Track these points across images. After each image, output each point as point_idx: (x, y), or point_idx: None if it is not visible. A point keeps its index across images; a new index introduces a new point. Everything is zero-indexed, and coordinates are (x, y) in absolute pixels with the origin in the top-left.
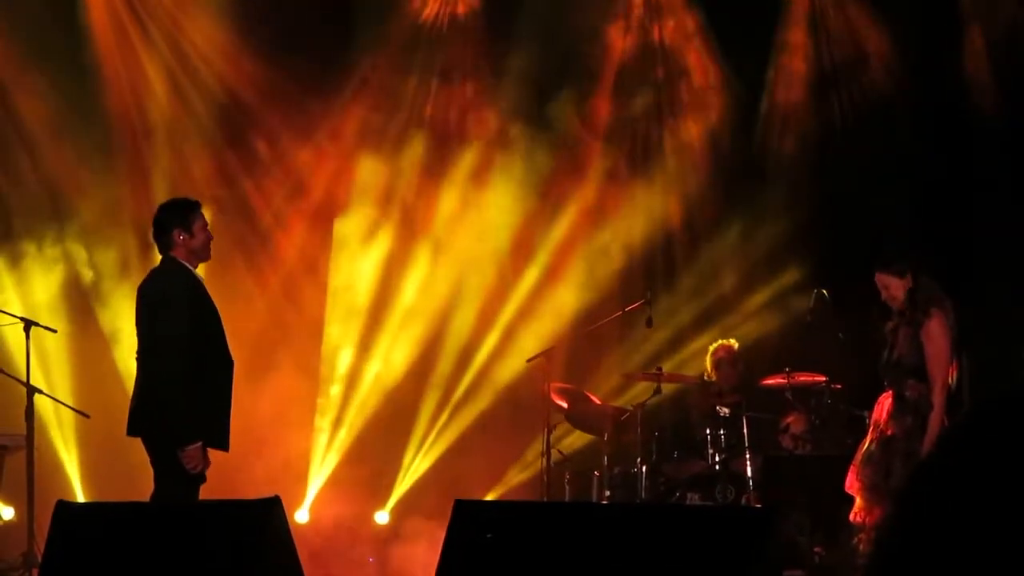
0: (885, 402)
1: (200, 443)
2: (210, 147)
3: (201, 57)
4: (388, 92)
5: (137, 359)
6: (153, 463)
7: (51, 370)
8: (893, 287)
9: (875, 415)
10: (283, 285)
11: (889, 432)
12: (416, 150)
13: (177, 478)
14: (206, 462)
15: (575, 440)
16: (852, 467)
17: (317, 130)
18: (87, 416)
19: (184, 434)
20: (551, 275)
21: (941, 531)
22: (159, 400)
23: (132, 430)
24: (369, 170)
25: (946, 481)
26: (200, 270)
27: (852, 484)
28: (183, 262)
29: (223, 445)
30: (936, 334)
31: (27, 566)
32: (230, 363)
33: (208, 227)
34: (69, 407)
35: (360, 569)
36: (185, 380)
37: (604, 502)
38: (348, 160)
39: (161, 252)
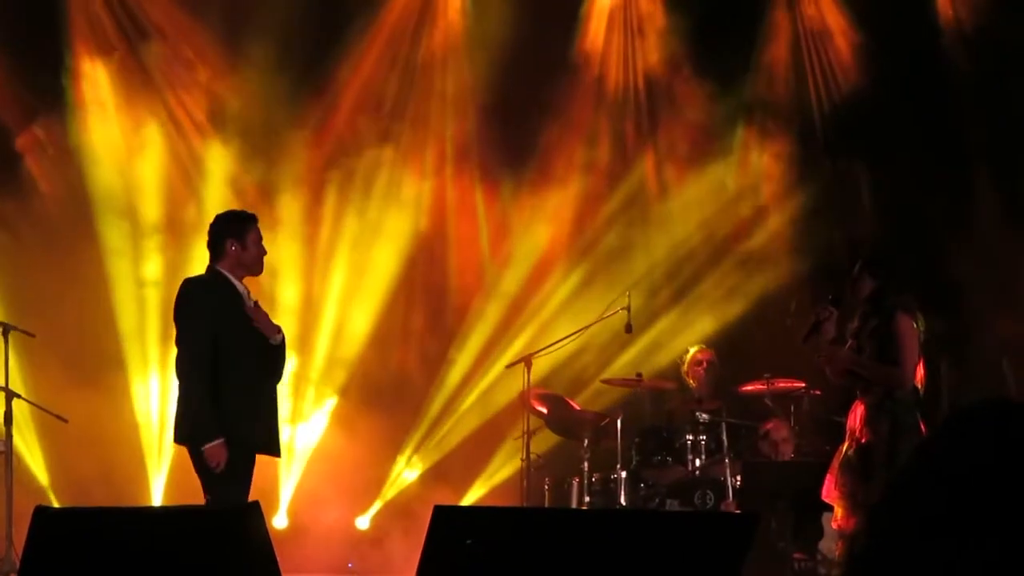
0: (858, 409)
1: (221, 440)
2: None
3: None
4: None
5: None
6: (198, 472)
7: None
8: (864, 284)
9: (850, 423)
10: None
11: (865, 439)
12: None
13: (223, 480)
14: (243, 464)
15: (555, 446)
16: (829, 475)
17: None
18: (65, 420)
19: (200, 433)
20: (534, 280)
21: (913, 540)
22: (180, 404)
23: (175, 437)
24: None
25: (919, 491)
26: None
27: (830, 492)
28: (226, 273)
29: (271, 450)
30: (905, 328)
31: (4, 572)
32: (275, 369)
33: (262, 242)
34: (47, 412)
35: (341, 574)
36: (198, 381)
37: (584, 508)
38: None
39: (210, 260)
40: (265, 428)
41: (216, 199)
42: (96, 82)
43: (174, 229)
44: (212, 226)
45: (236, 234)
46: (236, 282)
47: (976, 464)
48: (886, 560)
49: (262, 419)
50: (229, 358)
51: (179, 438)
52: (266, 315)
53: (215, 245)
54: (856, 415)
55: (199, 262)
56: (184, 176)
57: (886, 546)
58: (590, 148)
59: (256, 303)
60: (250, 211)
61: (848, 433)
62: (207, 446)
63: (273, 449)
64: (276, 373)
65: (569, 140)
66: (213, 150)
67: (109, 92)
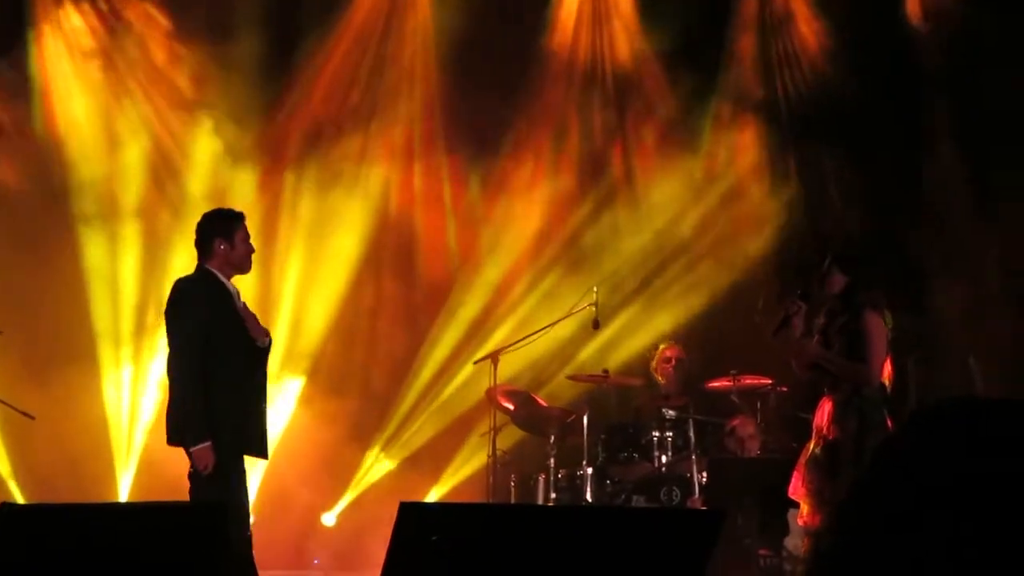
0: (826, 406)
1: (208, 443)
2: None
3: None
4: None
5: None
6: (194, 471)
7: None
8: (835, 280)
9: (817, 420)
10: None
11: (832, 436)
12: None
13: (225, 481)
14: (234, 466)
15: (521, 442)
16: (796, 472)
17: None
18: (32, 417)
19: (189, 434)
20: (502, 275)
21: (880, 536)
22: (172, 405)
23: (169, 438)
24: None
25: (886, 487)
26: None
27: (797, 489)
28: (215, 271)
29: (259, 453)
30: (874, 325)
31: None
32: (263, 372)
33: (249, 239)
34: (13, 408)
35: (307, 571)
36: (190, 382)
37: (550, 504)
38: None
39: (199, 259)
40: (254, 429)
41: (191, 187)
42: (61, 65)
43: (145, 219)
44: (200, 225)
45: (224, 233)
46: (226, 281)
47: (942, 461)
48: (853, 556)
49: (251, 420)
50: (219, 358)
51: (172, 439)
52: (255, 317)
53: (203, 244)
54: (823, 412)
55: (175, 253)
56: (152, 165)
57: (853, 542)
58: (559, 141)
59: (244, 304)
60: (235, 209)
61: (815, 430)
62: (195, 448)
63: (261, 451)
64: (264, 375)
65: (538, 133)
66: (184, 138)
67: (73, 76)
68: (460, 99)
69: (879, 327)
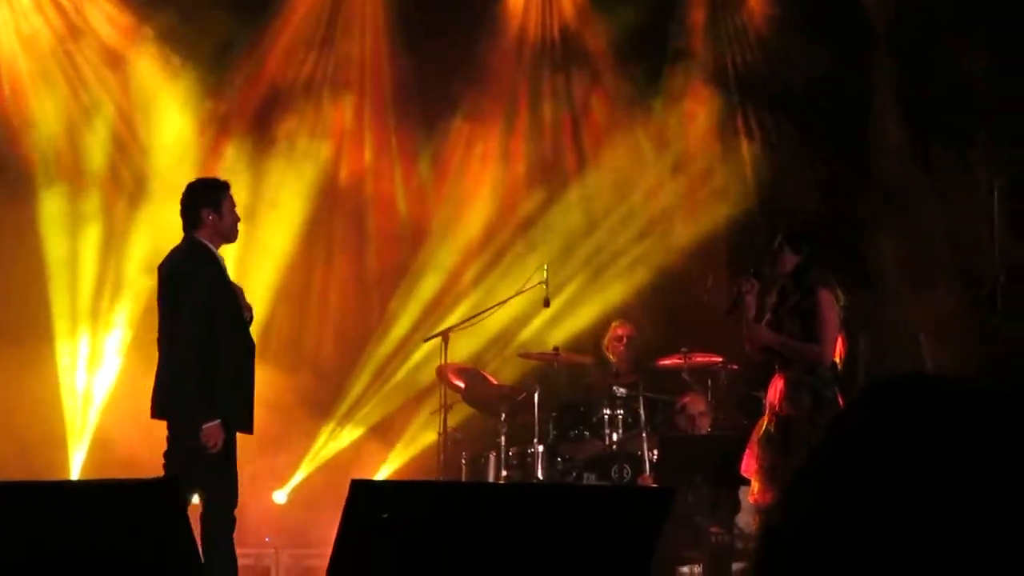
0: (778, 384)
1: (218, 422)
2: None
3: None
4: None
5: (158, 341)
6: (180, 447)
7: None
8: (786, 258)
9: (769, 397)
10: None
11: (785, 413)
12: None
13: (221, 459)
14: (232, 444)
15: (472, 420)
16: (748, 449)
17: None
18: None
19: (200, 413)
20: (453, 252)
21: (830, 513)
22: (179, 380)
23: (157, 413)
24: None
25: (836, 463)
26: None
27: (748, 466)
28: (207, 243)
29: (248, 428)
30: (825, 304)
31: None
32: (252, 347)
33: (235, 208)
34: None
35: (258, 549)
36: (202, 360)
37: (501, 482)
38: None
39: (186, 231)
40: (246, 405)
41: (149, 159)
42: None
43: (103, 192)
44: (186, 196)
45: (212, 203)
46: (216, 252)
47: (892, 437)
48: (802, 532)
49: (244, 396)
50: (219, 333)
51: (163, 414)
52: (241, 290)
53: (191, 215)
54: (775, 389)
55: (134, 228)
56: (114, 136)
57: (802, 519)
58: (509, 117)
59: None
60: (220, 178)
61: (767, 407)
62: (207, 426)
63: (249, 427)
64: (253, 349)
65: (488, 110)
66: (142, 110)
67: (25, 45)
68: (410, 74)
69: (831, 305)
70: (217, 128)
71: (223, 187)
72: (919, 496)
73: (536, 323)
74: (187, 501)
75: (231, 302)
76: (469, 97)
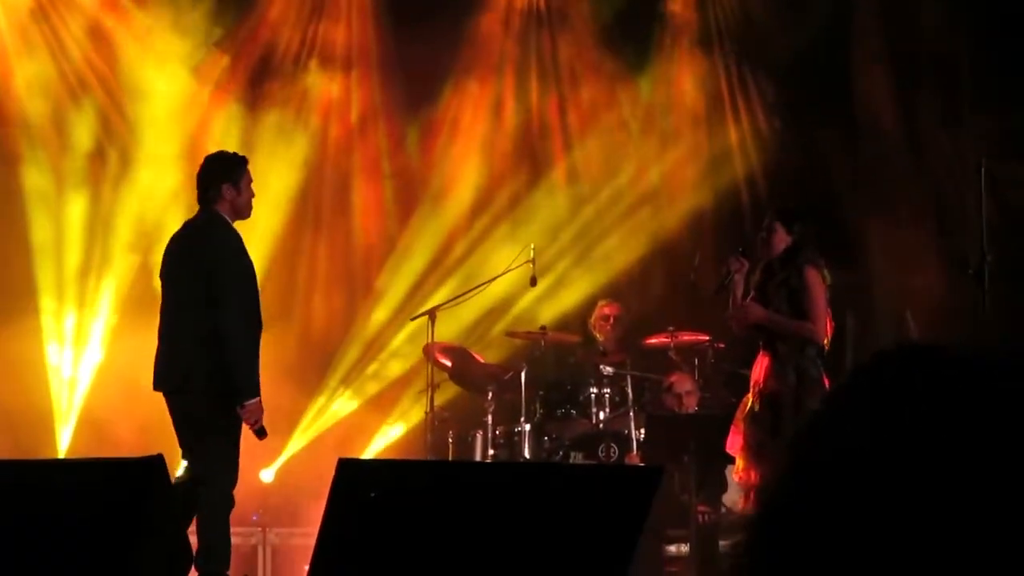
0: (763, 362)
1: (259, 398)
2: None
3: None
4: None
5: (171, 314)
6: (196, 422)
7: None
8: (778, 238)
9: (754, 375)
10: None
11: (771, 391)
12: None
13: (229, 437)
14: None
15: (458, 399)
16: (734, 427)
17: None
18: None
19: (247, 388)
20: (439, 229)
21: (831, 484)
22: (224, 354)
23: (171, 385)
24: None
25: (835, 434)
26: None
27: (734, 444)
28: (227, 218)
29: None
30: (813, 282)
31: None
32: (261, 323)
33: (251, 184)
34: None
35: (244, 527)
36: (247, 335)
37: (488, 461)
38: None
39: (203, 204)
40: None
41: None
42: None
43: (90, 164)
44: (204, 169)
45: (231, 178)
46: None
47: (892, 406)
48: (799, 507)
49: (257, 371)
50: (247, 309)
51: (193, 387)
52: None
53: (210, 189)
54: (760, 367)
55: (122, 200)
56: (100, 109)
57: (799, 493)
58: (495, 94)
59: None
60: (238, 153)
61: (752, 385)
62: (251, 402)
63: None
64: (261, 326)
65: (474, 87)
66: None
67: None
68: (398, 46)
69: (820, 284)
70: (207, 99)
71: (242, 162)
72: (919, 465)
73: (523, 302)
74: (188, 477)
75: (254, 279)
76: (454, 76)
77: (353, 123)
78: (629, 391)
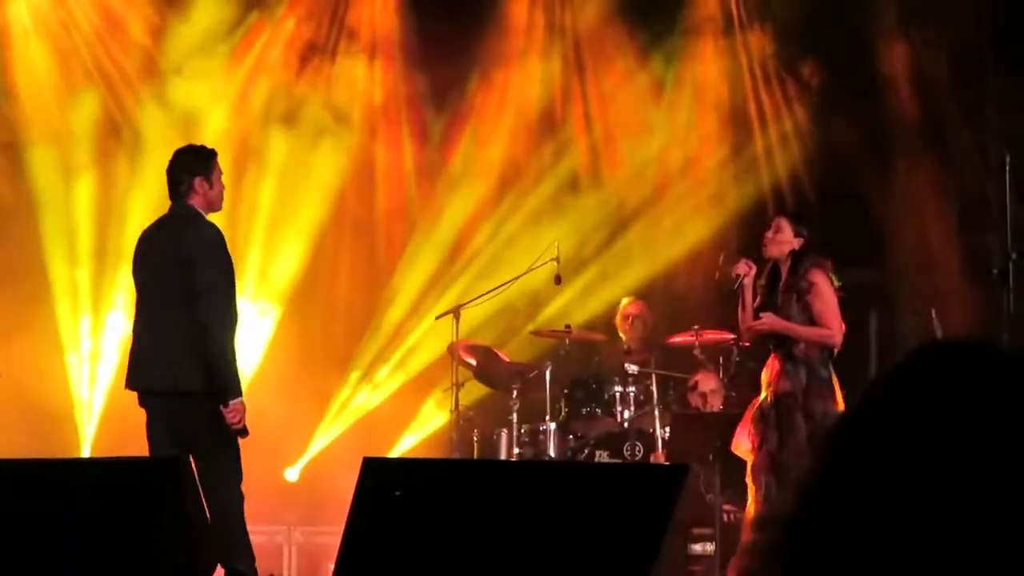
0: (773, 363)
1: (242, 398)
2: None
3: None
4: None
5: (155, 311)
6: (198, 426)
7: None
8: (784, 240)
9: (765, 376)
10: None
11: (780, 391)
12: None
13: (231, 434)
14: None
15: (483, 398)
16: (740, 427)
17: None
18: None
19: (234, 386)
20: (464, 228)
21: (864, 483)
22: (211, 351)
23: (165, 386)
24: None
25: (875, 428)
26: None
27: (739, 444)
28: (200, 211)
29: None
30: (823, 286)
31: None
32: (238, 319)
33: (222, 177)
34: None
35: (269, 526)
36: (232, 334)
37: (513, 460)
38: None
39: (176, 199)
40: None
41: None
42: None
43: (102, 163)
44: (177, 163)
45: (203, 171)
46: None
47: (935, 400)
48: (832, 509)
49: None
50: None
51: (198, 386)
52: None
53: (182, 183)
54: (771, 369)
55: (132, 198)
56: (116, 101)
57: (838, 489)
58: (519, 89)
59: None
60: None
61: (764, 385)
62: (237, 400)
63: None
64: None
65: (498, 83)
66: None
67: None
68: (420, 47)
69: (830, 287)
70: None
71: (212, 154)
72: (963, 458)
73: (548, 300)
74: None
75: (234, 276)
76: (478, 71)
77: (378, 108)
78: (654, 390)
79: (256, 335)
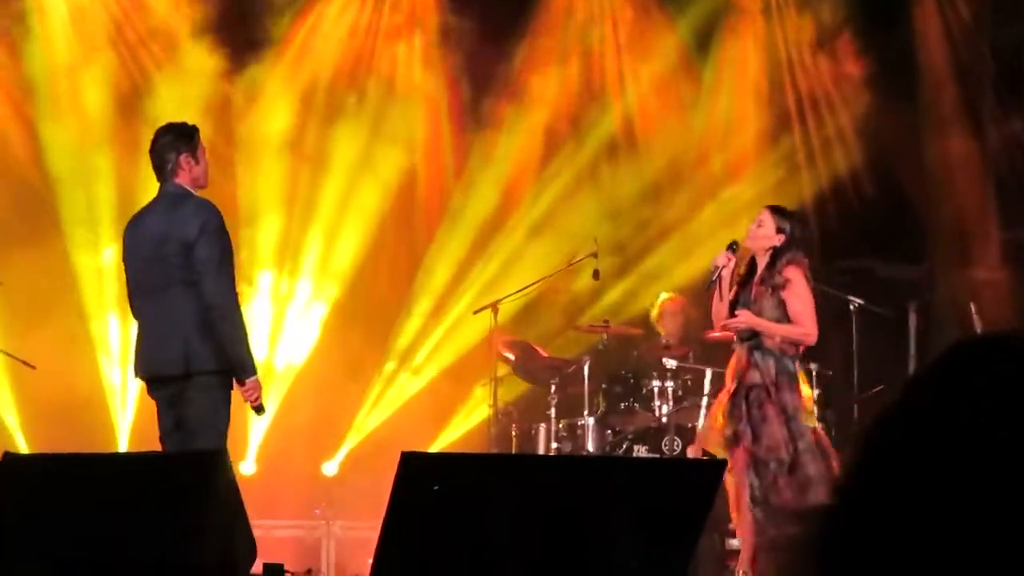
0: (741, 354)
1: (257, 376)
2: None
3: None
4: None
5: (156, 295)
6: (199, 405)
7: None
8: (763, 235)
9: (731, 367)
10: None
11: (750, 381)
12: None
13: (226, 414)
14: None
15: (522, 392)
16: (707, 422)
17: None
18: (32, 367)
19: (249, 364)
20: (503, 221)
21: (903, 478)
22: (222, 331)
23: (176, 370)
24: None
25: (917, 421)
26: None
27: (708, 439)
28: (189, 189)
29: None
30: (798, 283)
31: None
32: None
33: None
34: (14, 357)
35: (308, 520)
36: (239, 311)
37: (551, 454)
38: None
39: (162, 179)
40: None
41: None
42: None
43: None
44: (161, 141)
45: (188, 148)
46: None
47: (978, 394)
48: (872, 504)
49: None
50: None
51: (209, 366)
52: None
53: (168, 162)
54: (739, 360)
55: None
56: (139, 97)
57: (872, 491)
58: (560, 80)
59: None
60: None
61: (730, 377)
62: (252, 379)
63: None
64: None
65: (537, 73)
66: (186, 61)
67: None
68: (459, 36)
69: (804, 283)
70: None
71: (195, 130)
72: (1000, 453)
73: (586, 295)
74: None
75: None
76: (517, 61)
77: (417, 115)
78: (694, 384)
79: (305, 333)
